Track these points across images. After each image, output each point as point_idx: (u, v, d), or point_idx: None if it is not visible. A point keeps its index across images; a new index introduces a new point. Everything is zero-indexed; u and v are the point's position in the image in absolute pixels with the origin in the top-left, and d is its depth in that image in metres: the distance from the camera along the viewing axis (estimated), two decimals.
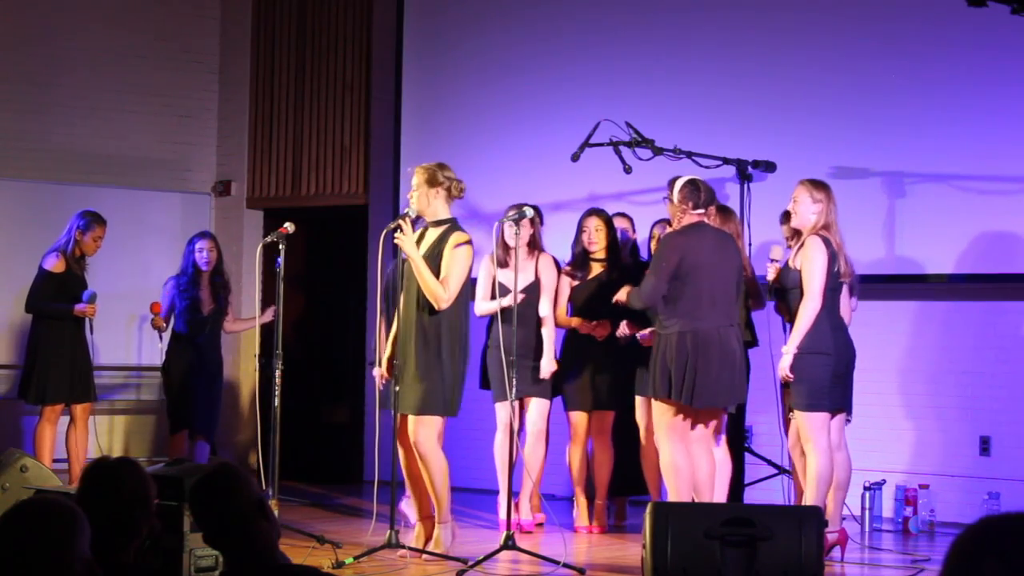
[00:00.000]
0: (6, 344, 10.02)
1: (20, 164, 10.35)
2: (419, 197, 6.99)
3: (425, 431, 6.89)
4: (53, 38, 10.58)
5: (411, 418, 6.92)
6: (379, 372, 7.42)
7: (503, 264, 7.97)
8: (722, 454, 7.33)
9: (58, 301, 8.98)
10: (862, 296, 7.78)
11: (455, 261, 6.89)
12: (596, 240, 8.15)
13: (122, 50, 10.87)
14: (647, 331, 7.35)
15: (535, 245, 8.17)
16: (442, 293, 6.85)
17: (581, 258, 8.22)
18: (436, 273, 6.90)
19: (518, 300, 7.29)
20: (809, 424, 7.00)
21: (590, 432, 8.19)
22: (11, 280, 9.96)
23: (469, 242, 6.97)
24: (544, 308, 8.09)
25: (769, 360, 7.49)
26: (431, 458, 6.89)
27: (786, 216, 7.51)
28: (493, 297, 7.90)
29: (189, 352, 9.24)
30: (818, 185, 7.15)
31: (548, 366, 7.98)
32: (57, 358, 8.99)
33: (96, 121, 10.76)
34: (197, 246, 9.32)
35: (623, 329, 7.67)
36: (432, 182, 6.98)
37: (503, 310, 7.64)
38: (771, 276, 7.24)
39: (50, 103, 10.56)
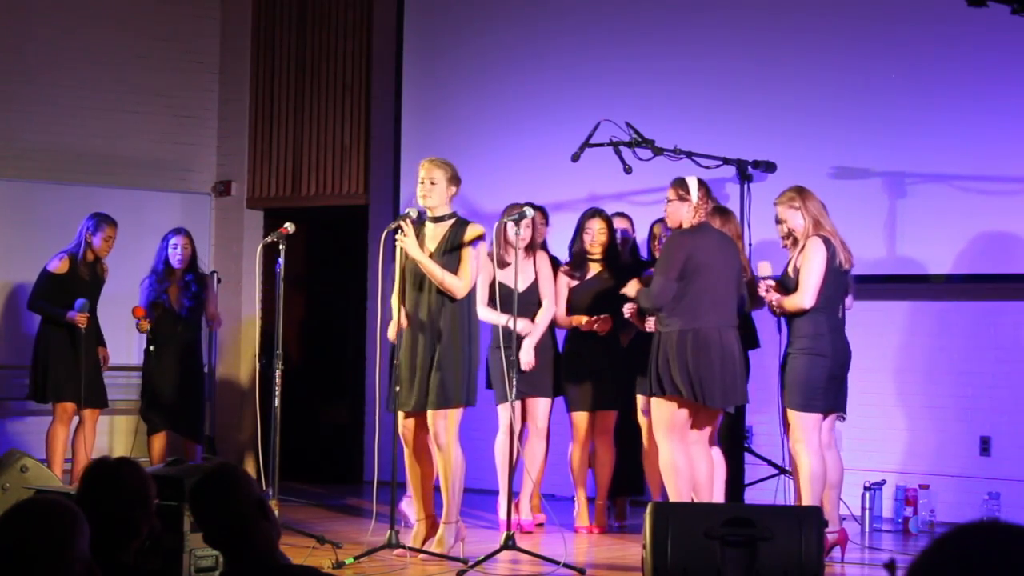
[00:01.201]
0: (6, 344, 10.00)
1: (20, 164, 10.35)
2: (438, 192, 7.00)
3: (445, 424, 6.90)
4: (53, 38, 10.58)
5: (430, 413, 6.92)
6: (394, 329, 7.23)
7: (502, 264, 7.96)
8: (716, 455, 7.33)
9: (58, 303, 8.98)
10: (861, 296, 7.77)
11: (472, 253, 6.93)
12: (598, 242, 8.14)
13: (122, 50, 10.87)
14: (651, 320, 7.31)
15: (533, 245, 8.17)
16: (458, 282, 6.89)
17: (579, 258, 8.21)
18: (451, 266, 6.91)
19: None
20: (801, 424, 7.04)
21: (592, 432, 8.18)
22: (11, 280, 9.96)
23: (483, 236, 7.01)
24: (545, 301, 8.08)
25: (769, 360, 7.50)
26: (451, 453, 6.89)
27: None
28: (491, 298, 7.86)
29: (164, 352, 9.20)
30: (789, 195, 7.16)
31: (525, 356, 7.89)
32: (61, 357, 8.98)
33: (96, 121, 10.76)
34: (171, 242, 9.27)
35: (629, 310, 7.55)
36: (454, 180, 7.02)
37: (504, 309, 7.62)
38: (769, 296, 7.18)
39: (50, 103, 10.56)
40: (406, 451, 7.08)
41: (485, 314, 7.74)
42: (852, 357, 7.22)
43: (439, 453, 6.93)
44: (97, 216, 9.08)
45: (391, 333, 7.11)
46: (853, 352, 7.23)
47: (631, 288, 7.28)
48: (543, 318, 8.11)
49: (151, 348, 9.17)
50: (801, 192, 7.16)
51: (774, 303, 7.16)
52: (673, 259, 7.00)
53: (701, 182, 7.14)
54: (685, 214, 7.10)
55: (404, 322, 7.01)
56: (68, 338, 9.02)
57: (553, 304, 8.14)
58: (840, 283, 7.14)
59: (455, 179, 7.05)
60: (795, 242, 7.23)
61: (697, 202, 7.06)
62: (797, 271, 7.09)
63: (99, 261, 9.16)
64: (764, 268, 7.30)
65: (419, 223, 7.09)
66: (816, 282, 7.02)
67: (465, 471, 7.00)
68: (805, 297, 7.03)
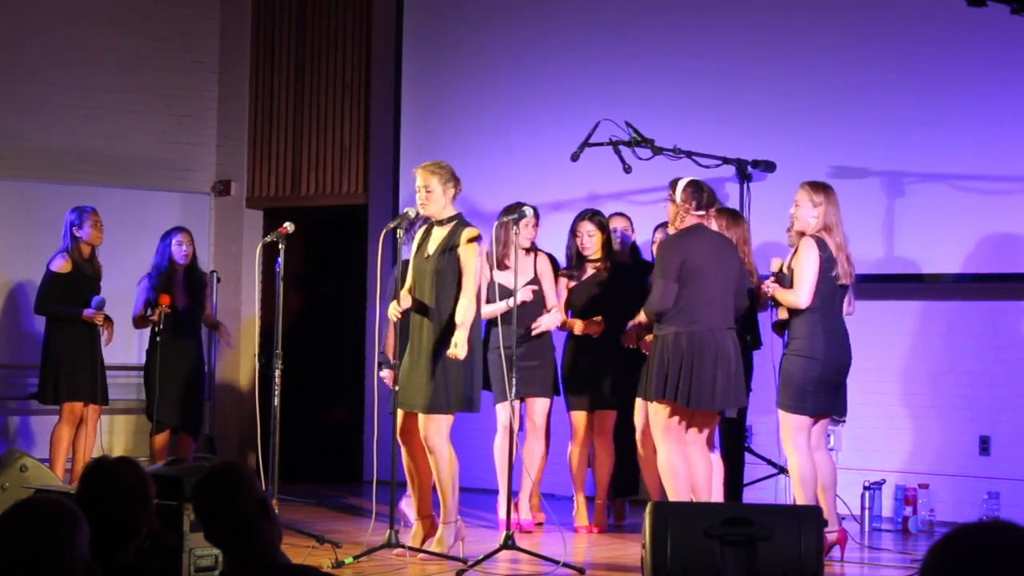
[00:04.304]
0: (7, 344, 10.00)
1: (20, 164, 10.35)
2: (436, 199, 6.99)
3: (435, 427, 6.89)
4: (53, 38, 10.58)
5: (421, 416, 6.92)
6: (390, 374, 7.45)
7: (500, 265, 7.94)
8: (714, 458, 7.33)
9: (68, 302, 8.95)
10: (862, 296, 7.77)
11: (470, 259, 6.91)
12: (590, 245, 8.15)
13: (122, 50, 10.87)
14: (648, 336, 7.37)
15: (533, 246, 8.19)
16: (470, 307, 6.87)
17: (576, 260, 8.21)
18: (447, 268, 6.90)
19: (519, 301, 7.29)
20: (788, 425, 7.05)
21: (591, 432, 8.18)
22: (11, 280, 9.97)
23: (479, 238, 7.00)
24: (550, 300, 8.09)
25: (769, 361, 7.50)
26: (440, 453, 6.89)
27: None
28: (489, 299, 7.86)
29: (170, 351, 9.17)
30: (818, 187, 7.15)
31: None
32: (73, 357, 8.95)
33: (96, 121, 10.76)
34: (175, 240, 9.25)
35: (631, 333, 7.61)
36: (451, 181, 7.00)
37: (488, 302, 7.63)
38: (765, 286, 7.20)
39: (50, 103, 10.57)
40: (403, 451, 7.09)
41: (486, 309, 7.65)
42: (851, 359, 7.20)
43: (429, 454, 6.94)
44: (76, 209, 9.05)
45: (391, 312, 7.06)
46: (852, 352, 7.21)
47: (641, 318, 7.28)
48: (551, 318, 8.12)
49: (158, 345, 9.10)
50: (828, 194, 7.12)
51: (768, 291, 7.16)
52: (669, 263, 7.00)
53: (696, 184, 7.11)
54: (671, 216, 7.13)
55: (407, 303, 7.00)
56: (79, 337, 8.98)
57: (559, 307, 8.14)
58: (835, 289, 7.11)
59: (452, 180, 7.03)
60: (800, 236, 7.21)
61: (680, 203, 7.05)
62: (791, 271, 7.10)
63: (95, 256, 9.14)
64: (776, 263, 7.29)
65: (423, 224, 7.12)
66: (811, 281, 7.01)
67: (459, 471, 6.99)
68: (801, 295, 7.03)
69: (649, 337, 7.29)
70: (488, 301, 7.81)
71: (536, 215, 8.25)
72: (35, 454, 7.76)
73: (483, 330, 8.18)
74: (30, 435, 9.82)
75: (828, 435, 7.54)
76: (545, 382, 8.12)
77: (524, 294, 7.80)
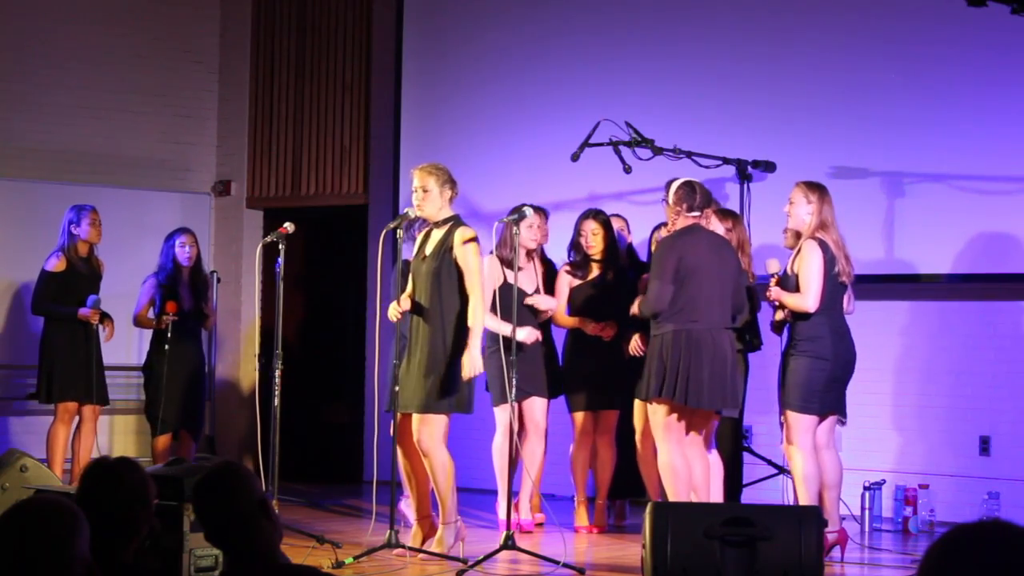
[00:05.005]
0: (7, 344, 10.00)
1: (20, 164, 10.35)
2: (433, 199, 6.98)
3: (428, 429, 6.88)
4: (53, 37, 10.58)
5: (415, 416, 6.91)
6: None
7: (510, 266, 7.90)
8: (713, 457, 7.33)
9: (63, 301, 8.95)
10: (861, 296, 7.77)
11: (471, 261, 6.90)
12: (594, 244, 8.15)
13: (122, 50, 10.87)
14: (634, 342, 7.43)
15: (538, 248, 8.20)
16: (478, 305, 6.86)
17: (582, 260, 8.21)
18: (443, 268, 6.90)
19: (521, 339, 7.29)
20: (796, 425, 7.03)
21: (594, 432, 8.17)
22: (11, 280, 9.97)
23: (476, 238, 6.99)
24: (546, 303, 8.09)
25: (769, 361, 7.51)
26: (434, 456, 6.88)
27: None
28: (494, 303, 7.81)
29: (175, 352, 9.16)
30: (813, 186, 7.16)
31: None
32: (68, 356, 8.95)
33: (96, 121, 10.76)
34: (179, 241, 9.25)
35: (636, 344, 7.63)
36: (448, 183, 6.99)
37: (503, 307, 7.61)
38: (770, 292, 7.19)
39: (50, 103, 10.57)
40: (400, 453, 7.07)
41: (489, 322, 7.60)
42: (856, 355, 7.20)
43: (424, 457, 6.93)
44: (75, 207, 9.06)
45: (391, 313, 7.06)
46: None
47: (637, 306, 7.29)
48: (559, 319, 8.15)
49: (166, 347, 9.09)
50: (822, 193, 7.13)
51: (772, 296, 7.15)
52: (665, 263, 7.00)
53: (689, 185, 7.10)
54: (667, 216, 7.14)
55: (406, 305, 7.00)
56: (75, 336, 8.98)
57: (554, 305, 8.15)
58: (838, 287, 7.12)
59: (449, 182, 7.03)
60: (795, 236, 7.22)
61: (672, 204, 7.06)
62: (795, 274, 7.09)
63: (93, 254, 9.14)
64: (772, 265, 7.28)
65: (424, 225, 7.12)
66: (818, 284, 7.00)
67: (454, 471, 6.97)
68: (808, 299, 7.01)
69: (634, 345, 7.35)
70: (494, 305, 7.76)
71: (545, 216, 8.25)
72: (35, 454, 7.76)
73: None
74: (30, 435, 9.81)
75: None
76: (541, 381, 8.11)
77: (528, 335, 7.76)
